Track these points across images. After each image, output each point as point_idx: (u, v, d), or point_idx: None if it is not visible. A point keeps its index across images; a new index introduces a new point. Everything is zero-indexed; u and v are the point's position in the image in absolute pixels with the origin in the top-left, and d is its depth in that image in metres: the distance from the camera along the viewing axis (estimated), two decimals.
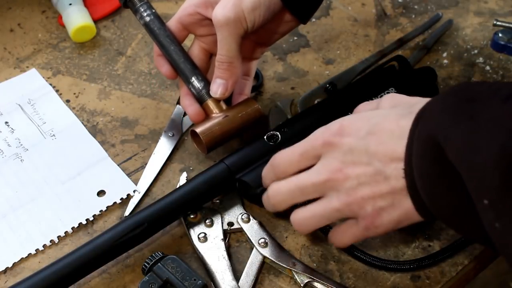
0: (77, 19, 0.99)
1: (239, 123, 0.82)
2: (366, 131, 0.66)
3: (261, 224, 0.79)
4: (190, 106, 0.83)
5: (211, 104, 0.82)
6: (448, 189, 0.61)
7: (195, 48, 0.86)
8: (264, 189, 0.78)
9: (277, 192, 0.72)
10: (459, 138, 0.58)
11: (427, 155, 0.61)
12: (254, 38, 0.86)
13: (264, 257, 0.77)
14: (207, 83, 0.83)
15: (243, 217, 0.79)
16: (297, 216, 0.71)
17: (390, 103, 0.70)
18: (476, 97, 0.59)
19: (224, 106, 0.83)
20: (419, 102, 0.65)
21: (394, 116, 0.65)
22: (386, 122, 0.65)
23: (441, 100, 0.62)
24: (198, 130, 0.81)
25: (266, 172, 0.75)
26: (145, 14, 0.84)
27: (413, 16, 1.03)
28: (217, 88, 0.81)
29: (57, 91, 0.95)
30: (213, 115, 0.82)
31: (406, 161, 0.63)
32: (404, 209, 0.65)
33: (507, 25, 0.93)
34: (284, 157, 0.72)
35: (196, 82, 0.83)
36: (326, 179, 0.67)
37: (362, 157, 0.66)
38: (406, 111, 0.65)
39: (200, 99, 0.83)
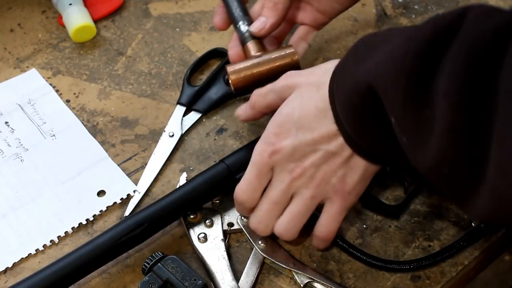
0: (77, 19, 0.99)
1: (271, 66, 0.82)
2: (296, 128, 0.71)
3: None
4: (232, 48, 0.86)
5: (250, 45, 0.83)
6: (373, 121, 0.65)
7: (257, 5, 0.86)
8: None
9: (258, 221, 0.75)
10: (370, 66, 0.63)
11: (349, 103, 0.66)
12: (316, 5, 0.87)
13: (264, 257, 0.77)
14: None
15: (243, 217, 0.79)
16: (279, 226, 0.74)
17: (286, 85, 0.75)
18: (377, 41, 0.66)
19: (261, 49, 0.83)
20: (320, 75, 0.71)
21: (310, 102, 0.71)
22: (307, 111, 0.71)
23: (344, 58, 0.68)
24: (228, 68, 0.82)
25: (239, 210, 0.77)
26: None
27: (413, 16, 1.03)
28: (258, 24, 0.83)
29: (57, 91, 0.95)
30: (250, 56, 0.83)
31: (340, 130, 0.68)
32: (361, 167, 0.71)
33: None
34: (244, 189, 0.75)
35: (242, 27, 0.84)
36: (290, 181, 0.72)
37: (306, 149, 0.71)
38: (315, 92, 0.71)
39: (242, 42, 0.84)
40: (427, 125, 0.58)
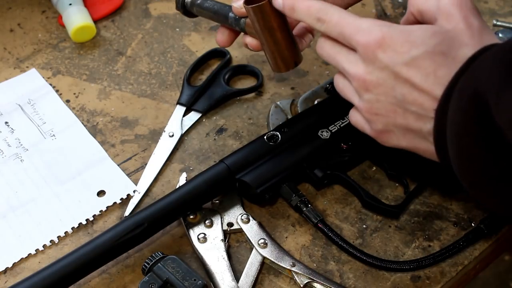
0: (77, 19, 0.99)
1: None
2: (403, 60, 0.64)
3: (260, 225, 0.79)
4: (219, 34, 0.81)
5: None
6: (487, 153, 0.58)
7: None
8: (264, 190, 0.79)
9: None
10: None
11: (469, 113, 0.58)
12: None
13: (264, 257, 0.77)
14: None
15: (242, 217, 0.79)
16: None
17: (446, 18, 0.64)
18: None
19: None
20: (466, 46, 0.62)
21: (435, 60, 0.62)
22: (424, 61, 0.63)
23: (493, 54, 0.59)
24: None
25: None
26: None
27: None
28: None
29: (57, 91, 0.95)
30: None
31: (438, 113, 0.62)
32: (422, 148, 0.66)
33: (507, 25, 0.93)
34: None
35: (231, 14, 0.79)
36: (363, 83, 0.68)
37: (390, 81, 0.65)
38: (450, 57, 0.62)
39: (241, 26, 0.78)
40: None
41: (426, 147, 0.66)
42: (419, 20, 0.69)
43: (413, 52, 0.63)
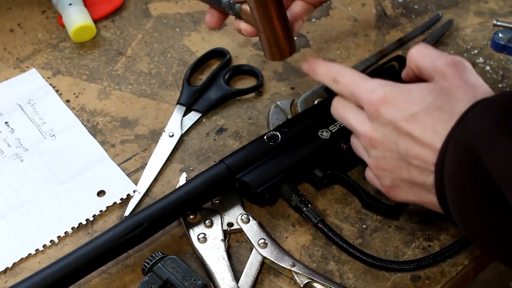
0: (77, 19, 0.99)
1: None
2: (404, 116, 0.67)
3: (260, 225, 0.79)
4: (208, 15, 0.83)
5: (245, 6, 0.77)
6: (483, 203, 0.60)
7: None
8: (264, 189, 0.79)
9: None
10: (503, 154, 0.57)
11: (463, 165, 0.61)
12: None
13: (264, 257, 0.77)
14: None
15: (242, 217, 0.79)
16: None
17: (442, 77, 0.68)
18: None
19: None
20: (461, 101, 0.65)
21: (433, 115, 0.65)
22: (423, 117, 0.65)
23: (483, 108, 0.62)
24: None
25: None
26: None
27: (413, 16, 1.03)
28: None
29: (57, 91, 0.95)
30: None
31: (437, 166, 0.63)
32: (428, 202, 0.68)
33: (507, 25, 0.93)
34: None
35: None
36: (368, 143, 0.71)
37: (393, 136, 0.68)
38: (446, 112, 0.65)
39: (236, 11, 0.78)
40: None
41: (432, 200, 0.67)
42: (417, 75, 0.72)
43: (413, 108, 0.66)
